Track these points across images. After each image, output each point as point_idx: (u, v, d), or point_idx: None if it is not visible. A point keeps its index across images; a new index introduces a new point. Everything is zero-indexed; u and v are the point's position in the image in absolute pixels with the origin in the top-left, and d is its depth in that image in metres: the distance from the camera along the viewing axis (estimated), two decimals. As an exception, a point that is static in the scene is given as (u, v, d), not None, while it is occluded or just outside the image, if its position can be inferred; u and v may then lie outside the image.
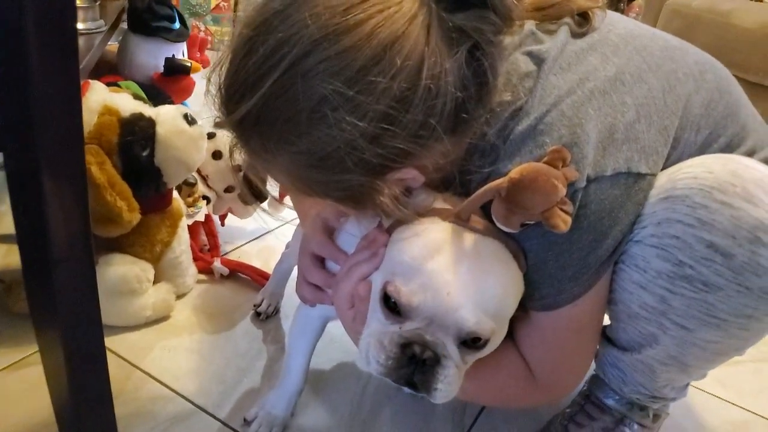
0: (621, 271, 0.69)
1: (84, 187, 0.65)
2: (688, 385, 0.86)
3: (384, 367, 0.60)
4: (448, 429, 0.92)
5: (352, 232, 0.72)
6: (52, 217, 0.62)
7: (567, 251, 0.64)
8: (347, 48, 0.54)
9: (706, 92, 0.72)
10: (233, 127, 0.61)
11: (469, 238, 0.61)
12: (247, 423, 0.86)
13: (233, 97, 0.59)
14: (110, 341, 0.97)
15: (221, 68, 0.60)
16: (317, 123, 0.56)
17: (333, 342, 1.05)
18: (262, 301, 1.09)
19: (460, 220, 0.62)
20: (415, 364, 0.59)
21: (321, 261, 0.76)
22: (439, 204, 0.65)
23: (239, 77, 0.58)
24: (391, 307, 0.60)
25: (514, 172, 0.59)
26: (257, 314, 1.08)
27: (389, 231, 0.65)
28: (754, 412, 1.06)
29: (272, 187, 0.77)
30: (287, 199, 1.30)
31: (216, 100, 0.61)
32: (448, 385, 0.60)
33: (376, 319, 0.62)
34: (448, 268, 0.58)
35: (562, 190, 0.59)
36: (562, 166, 0.60)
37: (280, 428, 0.85)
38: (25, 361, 0.89)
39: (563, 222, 0.60)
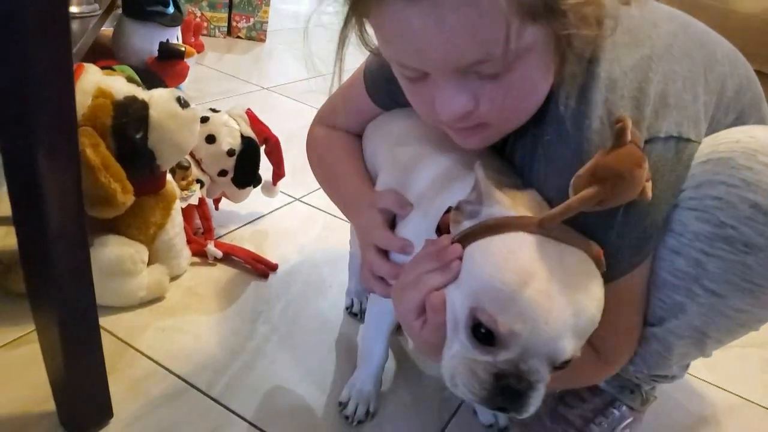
0: None
1: (78, 167, 0.66)
2: (688, 365, 0.87)
3: (476, 395, 0.58)
4: (435, 407, 0.93)
5: (415, 227, 0.71)
6: (47, 196, 0.64)
7: (624, 217, 0.63)
8: None
9: (738, 78, 0.74)
10: None
11: (558, 253, 0.57)
12: (342, 405, 0.89)
13: None
14: (105, 320, 0.98)
15: None
16: None
17: (324, 325, 1.07)
18: (352, 301, 1.11)
19: (544, 230, 0.58)
20: (510, 393, 0.57)
21: (386, 253, 0.75)
22: (517, 210, 0.61)
23: None
24: (481, 336, 0.57)
25: (611, 174, 0.57)
26: (353, 314, 1.10)
27: (461, 242, 0.62)
28: (740, 396, 1.08)
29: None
30: (280, 183, 1.32)
31: None
32: (538, 403, 0.59)
33: (460, 343, 0.59)
34: (544, 294, 0.55)
35: (647, 165, 0.59)
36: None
37: (375, 401, 0.89)
38: (24, 339, 0.91)
39: (650, 189, 0.61)
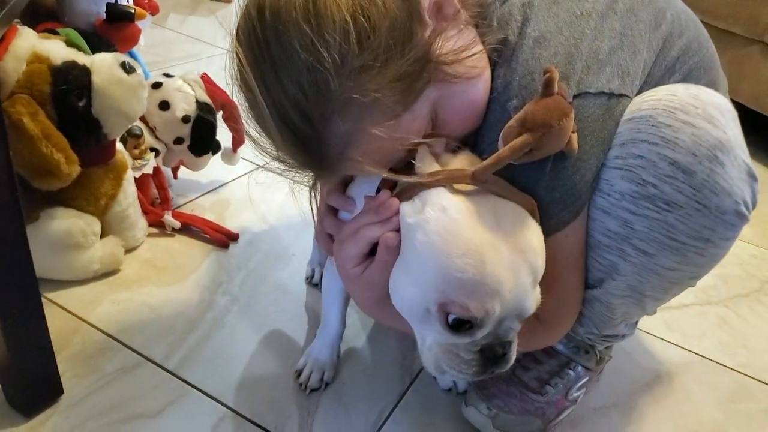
0: None
1: (5, 138, 0.63)
2: (637, 322, 0.88)
3: (468, 374, 0.61)
4: (395, 373, 0.94)
5: (360, 187, 0.72)
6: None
7: (553, 170, 0.64)
8: None
9: (687, 40, 0.74)
10: (326, 148, 0.61)
11: (492, 213, 0.59)
12: (298, 372, 0.89)
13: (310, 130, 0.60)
14: (57, 295, 0.96)
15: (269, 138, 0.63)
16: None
17: (286, 294, 1.06)
18: (313, 271, 1.10)
19: (479, 182, 0.60)
20: (497, 358, 0.62)
21: (335, 210, 0.75)
22: (451, 166, 0.63)
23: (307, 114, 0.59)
24: (456, 324, 0.58)
25: (539, 123, 0.58)
26: (313, 285, 1.09)
27: (398, 197, 0.63)
28: (696, 353, 1.10)
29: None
30: (240, 150, 1.28)
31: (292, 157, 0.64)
32: (515, 352, 0.63)
33: (434, 333, 0.61)
34: (500, 265, 0.56)
35: (573, 116, 0.60)
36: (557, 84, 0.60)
37: (330, 371, 0.89)
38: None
39: (576, 141, 0.62)
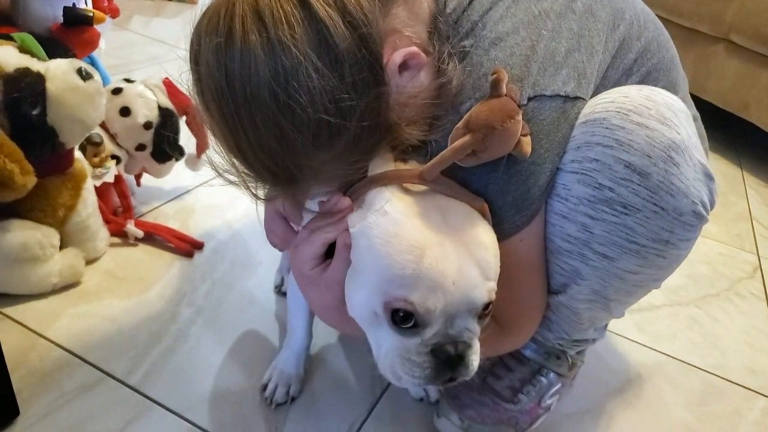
0: None
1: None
2: (606, 325, 0.88)
3: (421, 378, 0.59)
4: (366, 383, 0.92)
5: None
6: None
7: (506, 174, 0.63)
8: None
9: (645, 41, 0.73)
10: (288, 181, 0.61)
11: (439, 213, 0.59)
12: (263, 386, 0.86)
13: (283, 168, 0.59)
14: (14, 310, 0.92)
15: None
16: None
17: (252, 304, 1.04)
18: (282, 279, 1.07)
19: (425, 182, 0.60)
20: (451, 361, 0.59)
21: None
22: (400, 166, 0.63)
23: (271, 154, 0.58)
24: (401, 320, 0.58)
25: (481, 124, 0.57)
26: (282, 294, 1.06)
27: (350, 197, 0.63)
28: (667, 354, 1.11)
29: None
30: (205, 156, 1.25)
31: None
32: (477, 358, 0.61)
33: (387, 338, 0.60)
34: (441, 258, 0.56)
35: (520, 118, 0.59)
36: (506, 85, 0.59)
37: (296, 384, 0.87)
38: None
39: (529, 145, 0.61)
